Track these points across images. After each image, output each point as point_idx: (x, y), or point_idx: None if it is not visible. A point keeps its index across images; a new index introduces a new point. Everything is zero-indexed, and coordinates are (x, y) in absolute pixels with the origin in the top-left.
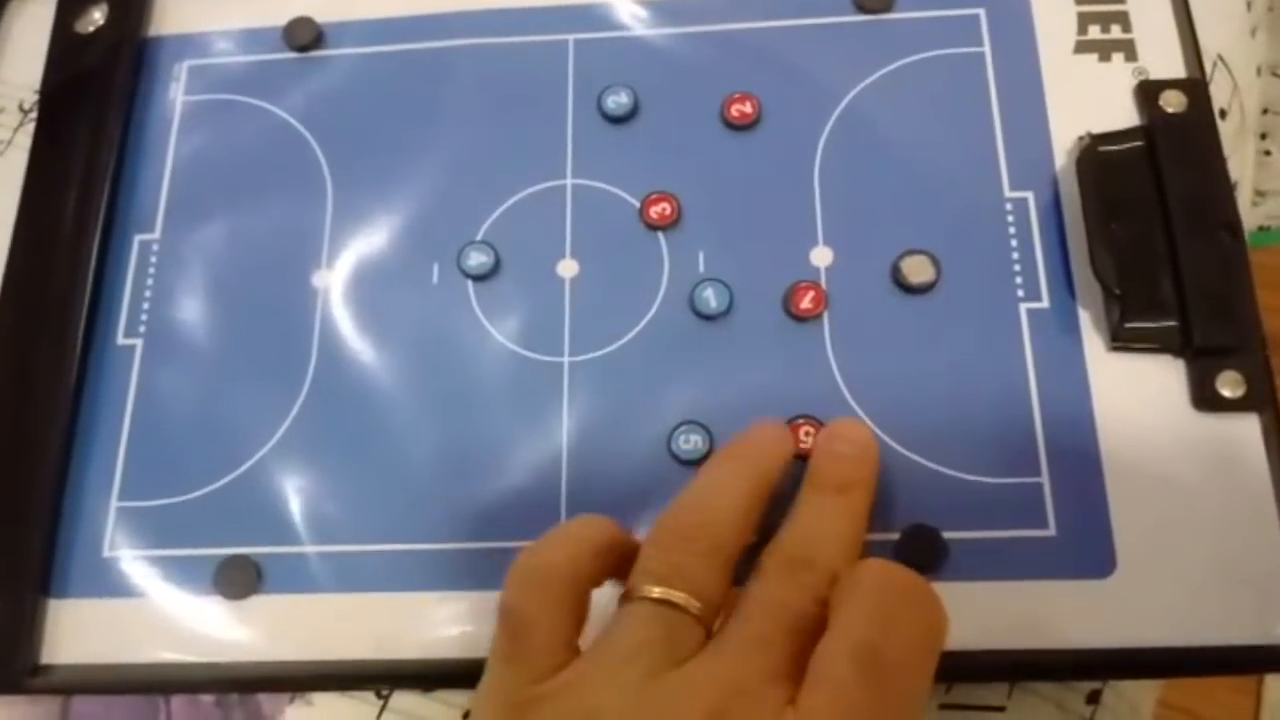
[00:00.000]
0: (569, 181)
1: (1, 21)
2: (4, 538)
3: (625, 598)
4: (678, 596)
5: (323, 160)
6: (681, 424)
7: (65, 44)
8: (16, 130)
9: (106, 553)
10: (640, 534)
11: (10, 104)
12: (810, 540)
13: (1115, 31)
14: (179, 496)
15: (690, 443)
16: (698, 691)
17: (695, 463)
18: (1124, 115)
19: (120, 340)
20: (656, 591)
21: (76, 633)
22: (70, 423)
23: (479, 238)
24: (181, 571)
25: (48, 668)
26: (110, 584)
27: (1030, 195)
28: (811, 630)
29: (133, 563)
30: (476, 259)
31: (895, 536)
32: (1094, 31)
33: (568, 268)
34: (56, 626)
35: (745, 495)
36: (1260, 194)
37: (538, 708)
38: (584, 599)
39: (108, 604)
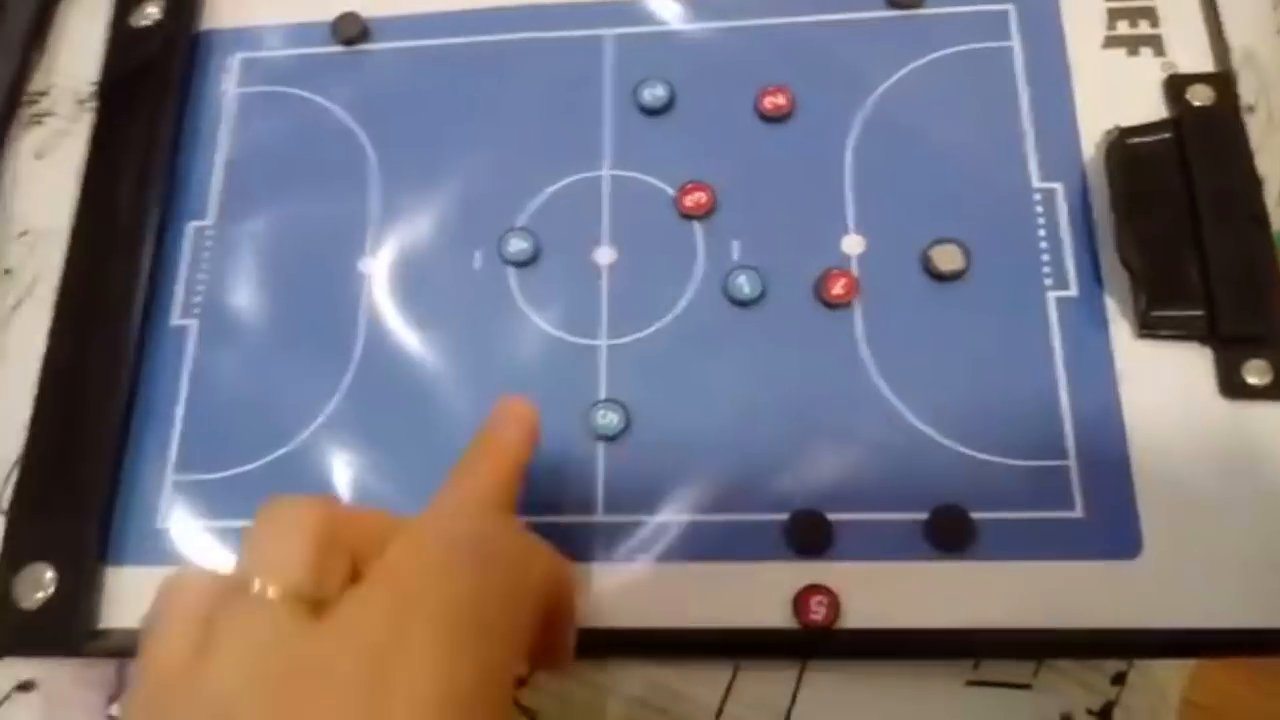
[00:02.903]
0: (606, 172)
1: (56, 16)
2: (65, 508)
3: None
4: None
5: (369, 151)
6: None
7: (122, 38)
8: (73, 120)
9: (162, 523)
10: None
11: (66, 94)
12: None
13: (1144, 26)
14: (230, 470)
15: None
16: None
17: (735, 427)
18: (1152, 109)
19: (175, 321)
20: None
21: (132, 599)
22: (128, 399)
23: (520, 225)
24: (232, 542)
25: (105, 632)
26: (165, 553)
27: (1059, 186)
28: None
29: (186, 533)
30: (517, 246)
31: (924, 516)
32: (1122, 26)
33: (605, 255)
34: (114, 593)
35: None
36: None
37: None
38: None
39: (162, 572)
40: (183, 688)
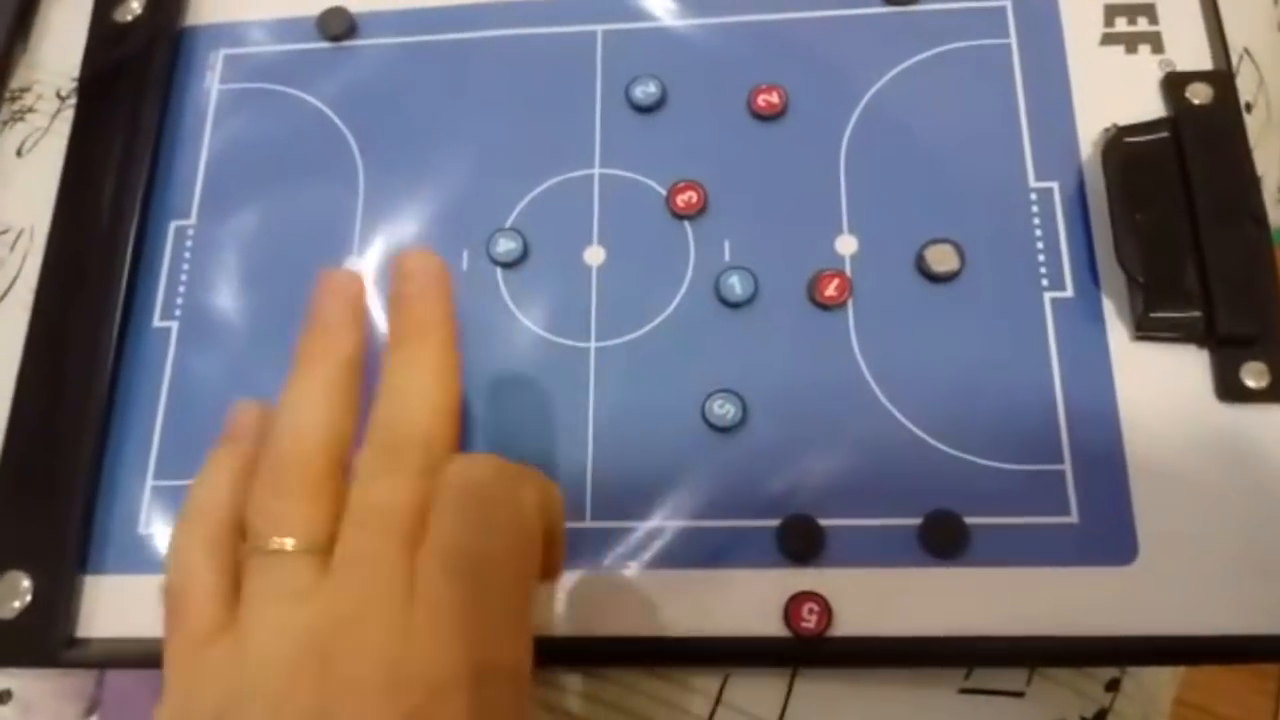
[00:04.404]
0: (597, 170)
1: (39, 9)
2: (42, 514)
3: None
4: (278, 544)
5: (355, 148)
6: (714, 392)
7: (103, 33)
8: (54, 116)
9: (142, 530)
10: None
11: (48, 90)
12: (399, 416)
13: (1142, 24)
14: None
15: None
16: (302, 634)
17: (727, 430)
18: (1150, 107)
19: (156, 323)
20: (265, 544)
21: (112, 608)
22: (107, 403)
23: (508, 225)
24: None
25: (83, 641)
26: (145, 560)
27: (1055, 185)
28: (422, 521)
29: (167, 540)
30: (505, 246)
31: (918, 521)
32: (1120, 24)
33: (595, 255)
34: (92, 602)
35: (326, 402)
36: None
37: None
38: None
39: (143, 580)
40: (221, 650)
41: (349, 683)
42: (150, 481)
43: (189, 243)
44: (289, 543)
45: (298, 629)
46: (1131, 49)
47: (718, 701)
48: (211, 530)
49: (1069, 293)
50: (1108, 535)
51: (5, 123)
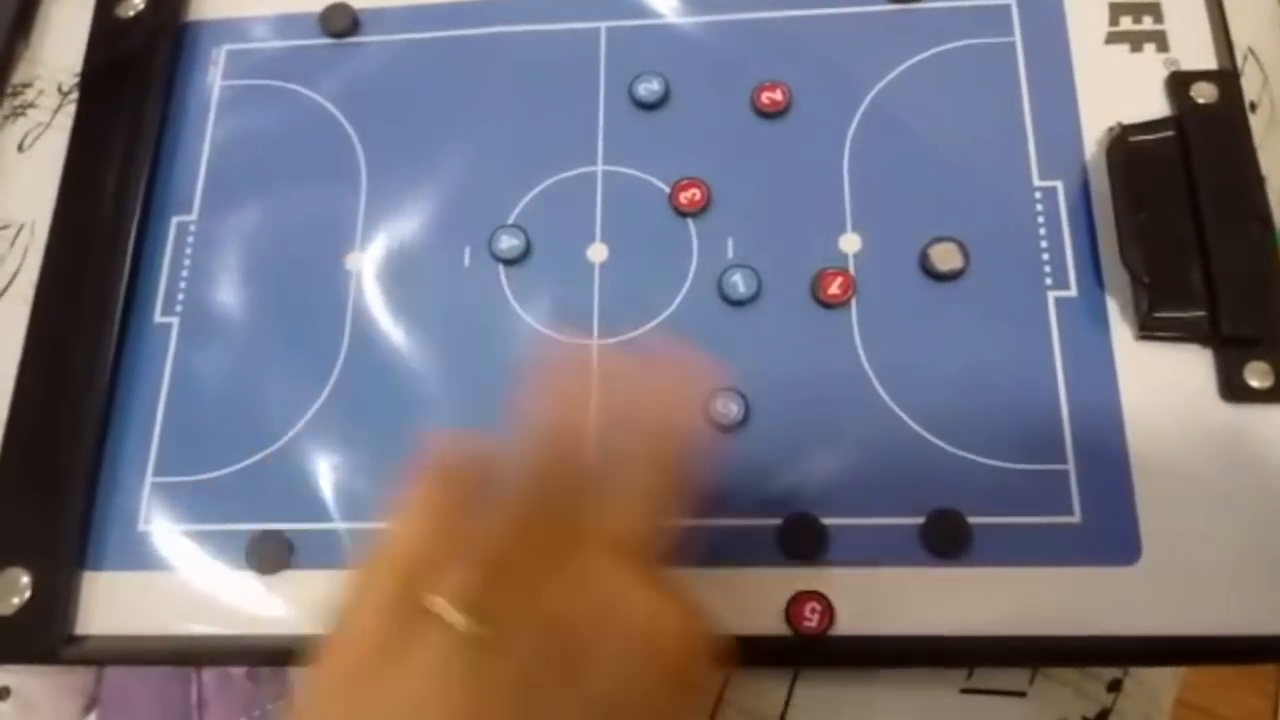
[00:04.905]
0: (600, 167)
1: (42, 5)
2: (42, 511)
3: None
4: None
5: (357, 145)
6: (717, 390)
7: (106, 28)
8: (56, 112)
9: (141, 526)
10: None
11: (50, 86)
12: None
13: (1147, 23)
14: (213, 472)
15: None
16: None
17: (731, 429)
18: (1155, 106)
19: (157, 319)
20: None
21: (111, 604)
22: (107, 399)
23: (510, 222)
24: (215, 546)
25: (82, 638)
26: (145, 557)
27: (1059, 185)
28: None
29: (167, 537)
30: (508, 243)
31: (920, 520)
32: (1125, 23)
33: (598, 252)
34: (92, 598)
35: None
36: None
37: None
38: None
39: (142, 576)
40: (355, 689)
41: None
42: (150, 478)
43: (190, 238)
44: (451, 610)
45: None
46: (1136, 48)
47: (719, 700)
48: (394, 572)
49: (1073, 292)
50: (1111, 535)
51: (7, 118)
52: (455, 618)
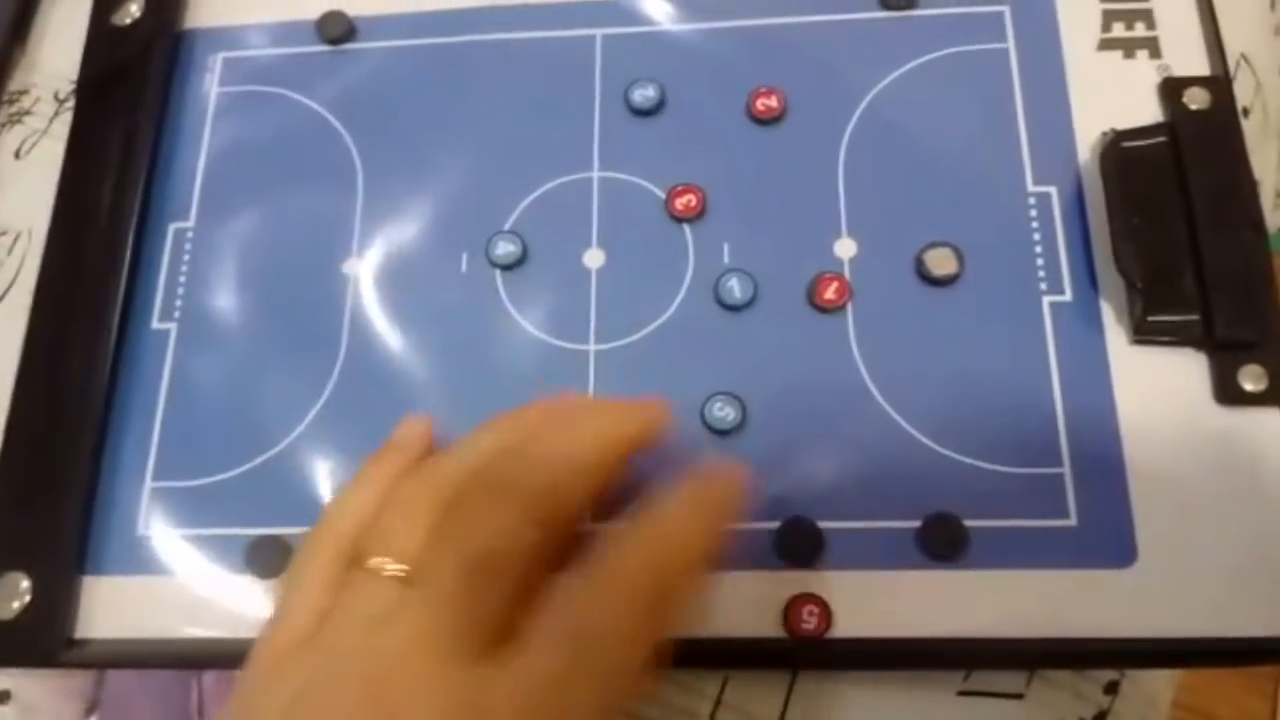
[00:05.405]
0: (596, 173)
1: (39, 12)
2: (41, 515)
3: None
4: (376, 563)
5: (354, 151)
6: (713, 395)
7: (102, 36)
8: (52, 119)
9: (141, 531)
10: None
11: (46, 93)
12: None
13: (1139, 29)
14: (212, 477)
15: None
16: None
17: (727, 433)
18: (1148, 112)
19: (155, 325)
20: (363, 560)
21: (111, 608)
22: (106, 404)
23: (507, 228)
24: (214, 550)
25: (83, 642)
26: (144, 561)
27: (1053, 190)
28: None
29: (166, 541)
30: (504, 249)
31: (917, 524)
32: (1118, 29)
33: (594, 258)
34: (91, 602)
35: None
36: None
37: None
38: None
39: (142, 581)
40: (294, 657)
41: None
42: (149, 483)
43: (188, 245)
44: (386, 564)
45: (367, 654)
46: (1129, 54)
47: (718, 703)
48: (336, 542)
49: (1067, 296)
50: (1106, 538)
51: (3, 125)
52: (393, 569)
